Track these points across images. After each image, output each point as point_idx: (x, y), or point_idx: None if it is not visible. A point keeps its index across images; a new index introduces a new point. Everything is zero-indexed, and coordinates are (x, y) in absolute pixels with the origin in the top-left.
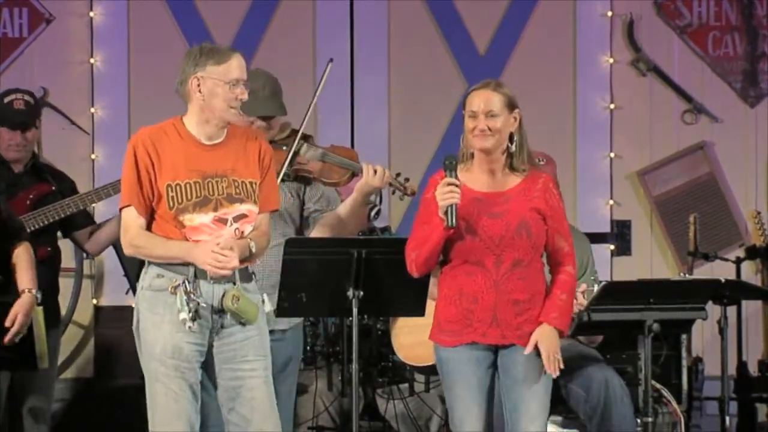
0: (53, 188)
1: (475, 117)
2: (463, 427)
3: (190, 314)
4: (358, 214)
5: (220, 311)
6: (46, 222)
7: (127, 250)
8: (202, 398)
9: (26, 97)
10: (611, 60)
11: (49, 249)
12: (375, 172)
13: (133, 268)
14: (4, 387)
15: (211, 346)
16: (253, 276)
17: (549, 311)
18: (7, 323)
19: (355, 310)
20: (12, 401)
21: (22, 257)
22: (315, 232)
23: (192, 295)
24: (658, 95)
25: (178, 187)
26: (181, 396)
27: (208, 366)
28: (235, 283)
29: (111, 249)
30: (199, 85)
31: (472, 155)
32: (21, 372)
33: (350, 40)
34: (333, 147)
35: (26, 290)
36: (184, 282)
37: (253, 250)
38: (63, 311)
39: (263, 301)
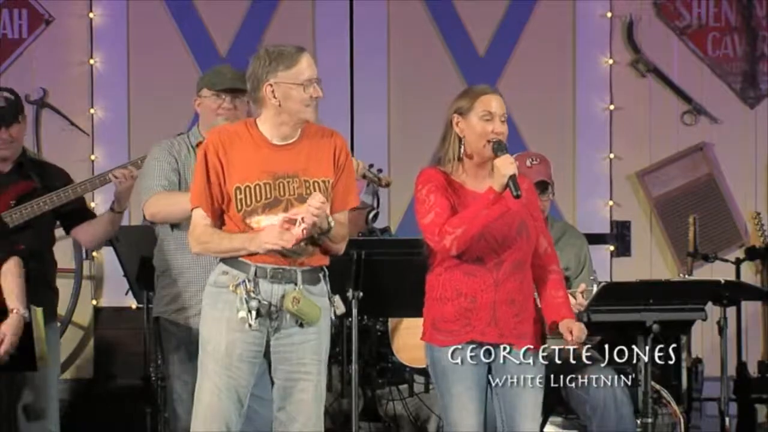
0: (36, 186)
1: (491, 119)
2: (459, 427)
3: (251, 313)
4: None
5: (279, 311)
6: (23, 219)
7: (195, 248)
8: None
9: (5, 94)
10: (611, 61)
11: (23, 247)
12: None
13: (132, 269)
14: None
15: (268, 345)
16: (323, 278)
17: (558, 310)
18: None
19: (354, 311)
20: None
21: (10, 273)
22: None
23: (251, 294)
24: (658, 96)
25: (247, 189)
26: (225, 396)
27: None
28: (296, 285)
29: (111, 250)
30: (273, 91)
31: (459, 159)
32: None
33: (350, 40)
34: None
35: (14, 310)
36: (244, 281)
37: (332, 224)
38: (62, 310)
39: (332, 302)
